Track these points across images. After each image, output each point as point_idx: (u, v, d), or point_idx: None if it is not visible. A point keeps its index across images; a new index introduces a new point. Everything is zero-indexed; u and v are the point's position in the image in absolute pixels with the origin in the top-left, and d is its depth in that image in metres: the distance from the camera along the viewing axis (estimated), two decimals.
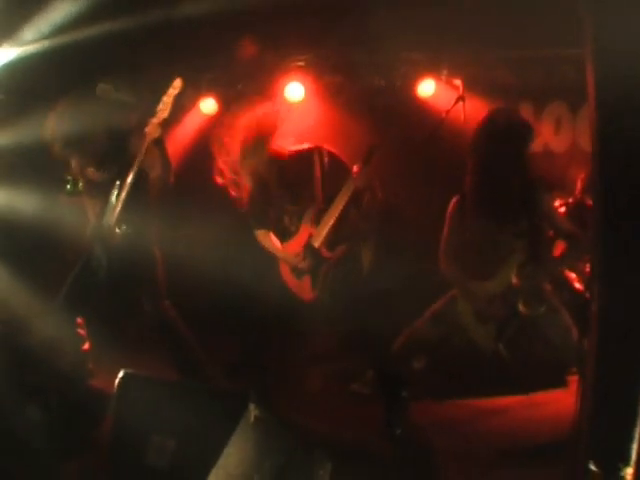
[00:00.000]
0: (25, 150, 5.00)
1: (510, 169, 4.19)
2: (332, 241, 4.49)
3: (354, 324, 4.39)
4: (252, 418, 2.61)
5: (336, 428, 3.18)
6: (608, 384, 2.10)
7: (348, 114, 5.81)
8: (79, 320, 4.39)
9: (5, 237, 4.93)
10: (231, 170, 4.62)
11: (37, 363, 3.69)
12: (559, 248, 4.51)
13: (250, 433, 2.60)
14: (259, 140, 4.45)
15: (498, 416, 3.82)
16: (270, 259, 4.63)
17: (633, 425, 1.98)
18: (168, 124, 4.38)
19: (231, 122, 4.54)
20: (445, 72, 5.54)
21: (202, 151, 6.11)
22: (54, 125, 4.23)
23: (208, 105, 6.22)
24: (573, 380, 3.71)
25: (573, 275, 4.61)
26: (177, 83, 4.16)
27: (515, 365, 4.10)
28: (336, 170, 4.53)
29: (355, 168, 4.39)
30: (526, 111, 5.57)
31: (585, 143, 5.33)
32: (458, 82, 5.31)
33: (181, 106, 5.64)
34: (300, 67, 5.81)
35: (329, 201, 4.47)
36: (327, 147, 4.60)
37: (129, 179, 4.11)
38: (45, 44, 4.71)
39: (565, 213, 4.86)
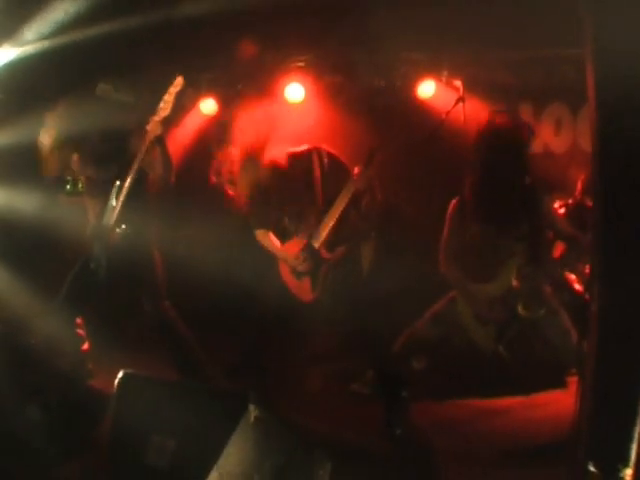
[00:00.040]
0: (25, 150, 5.00)
1: (510, 173, 4.19)
2: (332, 242, 4.49)
3: (354, 324, 4.39)
4: (252, 418, 2.62)
5: (336, 428, 3.17)
6: (608, 385, 2.09)
7: (348, 115, 5.80)
8: (78, 320, 4.40)
9: (5, 237, 4.93)
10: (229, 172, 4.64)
11: (37, 363, 3.68)
12: (559, 249, 4.52)
13: (250, 433, 2.60)
14: (250, 158, 4.47)
15: (498, 417, 3.82)
16: (270, 259, 4.63)
17: (632, 426, 1.97)
18: (169, 123, 4.39)
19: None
20: (445, 73, 5.54)
21: (202, 151, 6.14)
22: (54, 125, 4.23)
23: (208, 105, 6.22)
24: (573, 381, 3.72)
25: (573, 276, 4.61)
26: (178, 81, 4.16)
27: (515, 366, 4.10)
28: (336, 171, 4.53)
29: (356, 170, 4.39)
30: (526, 112, 5.57)
31: (585, 144, 5.32)
32: (458, 83, 5.31)
33: (181, 106, 5.64)
34: (300, 67, 5.81)
35: (329, 202, 4.47)
36: (326, 148, 4.61)
37: (129, 179, 4.11)
38: (45, 44, 4.71)
39: (565, 214, 4.85)
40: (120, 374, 3.09)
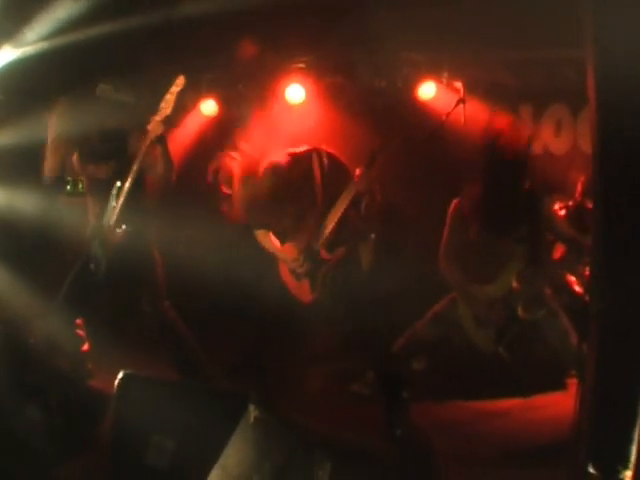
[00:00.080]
0: (25, 150, 5.00)
1: (511, 175, 4.19)
2: (332, 243, 4.49)
3: (354, 325, 4.39)
4: (252, 418, 2.61)
5: (336, 428, 3.16)
6: (607, 387, 2.09)
7: (348, 116, 5.80)
8: (78, 321, 4.39)
9: (5, 237, 4.93)
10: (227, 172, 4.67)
11: (37, 363, 3.68)
12: (559, 251, 4.52)
13: (250, 433, 2.60)
14: (245, 179, 4.51)
15: (498, 418, 3.83)
16: (270, 260, 4.64)
17: (632, 428, 1.97)
18: (170, 122, 4.38)
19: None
20: (446, 74, 5.54)
21: (202, 152, 6.13)
22: (54, 125, 4.24)
23: (208, 106, 6.22)
24: (572, 383, 3.72)
25: (573, 278, 4.60)
26: (180, 81, 4.16)
27: (515, 367, 4.10)
28: (336, 172, 4.53)
29: (357, 171, 4.39)
30: (526, 113, 5.57)
31: (586, 145, 5.31)
32: (459, 84, 5.31)
33: (182, 107, 5.64)
34: (300, 68, 5.81)
35: (329, 202, 4.47)
36: (327, 148, 4.61)
37: (129, 179, 4.11)
38: (45, 45, 4.71)
39: (565, 216, 4.85)
40: (120, 374, 3.09)
